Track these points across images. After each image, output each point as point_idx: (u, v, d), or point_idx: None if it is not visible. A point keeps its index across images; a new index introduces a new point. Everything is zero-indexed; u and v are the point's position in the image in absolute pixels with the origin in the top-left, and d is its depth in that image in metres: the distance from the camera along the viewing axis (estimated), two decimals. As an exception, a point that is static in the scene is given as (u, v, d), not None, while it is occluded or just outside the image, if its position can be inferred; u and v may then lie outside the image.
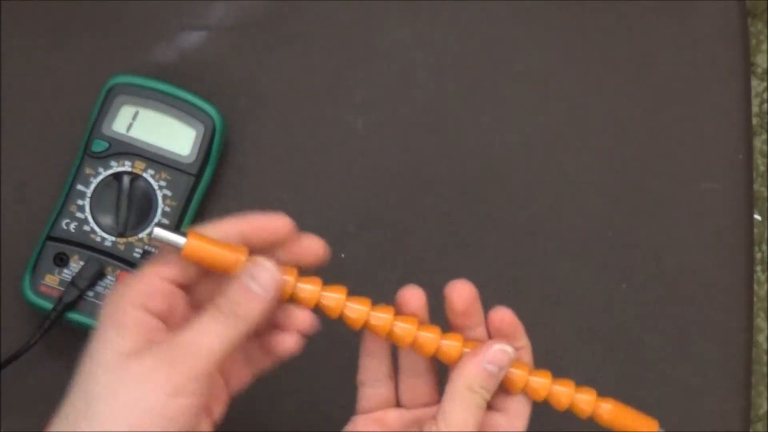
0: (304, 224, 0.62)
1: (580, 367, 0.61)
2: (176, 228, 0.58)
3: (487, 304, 0.62)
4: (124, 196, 0.58)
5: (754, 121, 1.10)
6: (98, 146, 0.59)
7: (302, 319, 0.47)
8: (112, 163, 0.58)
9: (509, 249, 0.63)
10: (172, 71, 0.62)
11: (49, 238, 0.58)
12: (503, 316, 0.49)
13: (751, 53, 1.06)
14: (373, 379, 0.50)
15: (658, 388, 0.62)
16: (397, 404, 0.51)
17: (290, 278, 0.46)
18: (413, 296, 0.49)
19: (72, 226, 0.58)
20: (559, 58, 0.66)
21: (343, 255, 0.61)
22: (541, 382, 0.48)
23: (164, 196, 0.58)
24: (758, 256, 1.17)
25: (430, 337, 0.48)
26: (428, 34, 0.65)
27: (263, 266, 0.45)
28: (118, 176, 0.58)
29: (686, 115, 0.65)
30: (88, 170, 0.58)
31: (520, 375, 0.48)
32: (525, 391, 0.48)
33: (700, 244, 0.64)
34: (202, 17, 0.64)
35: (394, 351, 0.50)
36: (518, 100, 0.65)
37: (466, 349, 0.48)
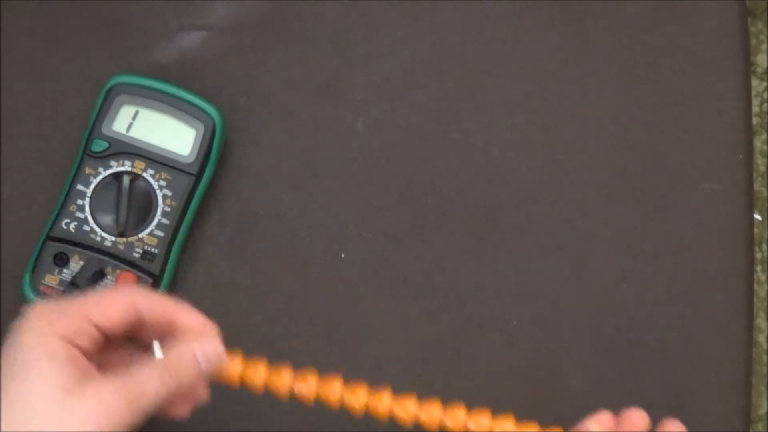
0: (304, 224, 0.62)
1: (580, 367, 0.61)
2: (172, 233, 0.58)
3: (487, 303, 0.62)
4: (124, 196, 0.58)
5: (754, 121, 1.10)
6: (98, 146, 0.59)
7: (203, 393, 0.50)
8: (112, 162, 0.58)
9: (509, 249, 0.63)
10: (172, 71, 0.62)
11: (49, 238, 0.58)
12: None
13: (751, 53, 1.06)
14: None
15: (658, 388, 0.62)
16: None
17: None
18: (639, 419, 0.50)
19: (72, 226, 0.58)
20: (560, 58, 0.66)
21: (343, 255, 0.61)
22: None
23: (164, 196, 0.58)
24: (758, 256, 1.17)
25: None
26: (428, 34, 0.65)
27: (213, 344, 0.48)
28: (118, 176, 0.58)
29: (686, 115, 0.65)
30: (88, 170, 0.58)
31: None
32: None
33: (700, 244, 0.64)
34: (202, 17, 0.64)
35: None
36: (518, 100, 0.65)
37: None
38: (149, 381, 0.45)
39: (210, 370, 0.47)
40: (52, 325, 0.45)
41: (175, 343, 0.47)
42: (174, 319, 0.48)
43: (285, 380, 0.49)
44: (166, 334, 0.48)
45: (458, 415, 0.49)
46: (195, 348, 0.46)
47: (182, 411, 0.49)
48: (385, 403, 0.49)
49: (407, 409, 0.49)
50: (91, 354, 0.46)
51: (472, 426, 0.49)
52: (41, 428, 0.42)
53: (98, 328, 0.46)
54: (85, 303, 0.46)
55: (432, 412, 0.49)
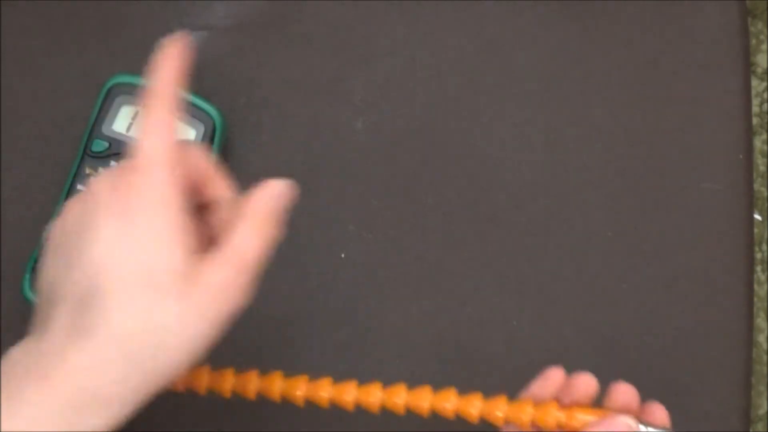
0: (304, 224, 0.62)
1: (580, 367, 0.61)
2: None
3: (488, 303, 0.62)
4: (124, 196, 0.58)
5: (754, 121, 1.11)
6: (98, 146, 0.59)
7: None
8: (112, 163, 0.58)
9: (509, 249, 0.63)
10: (172, 71, 0.62)
11: (49, 238, 0.58)
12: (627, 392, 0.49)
13: (751, 53, 1.06)
14: None
15: (658, 388, 0.62)
16: None
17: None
18: (624, 393, 0.49)
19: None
20: (559, 58, 0.66)
21: (343, 255, 0.61)
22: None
23: (164, 196, 0.58)
24: (758, 256, 1.17)
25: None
26: (428, 34, 0.65)
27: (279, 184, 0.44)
28: (118, 176, 0.58)
29: (686, 115, 0.65)
30: (88, 170, 0.58)
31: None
32: None
33: (700, 244, 0.64)
34: (202, 17, 0.64)
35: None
36: (518, 100, 0.65)
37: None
38: (250, 241, 0.42)
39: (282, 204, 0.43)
40: (169, 175, 0.40)
41: (251, 192, 0.43)
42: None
43: (253, 385, 0.48)
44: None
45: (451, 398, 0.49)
46: (272, 187, 0.43)
47: None
48: (376, 395, 0.49)
49: (400, 397, 0.49)
50: None
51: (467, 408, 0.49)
52: (153, 310, 0.38)
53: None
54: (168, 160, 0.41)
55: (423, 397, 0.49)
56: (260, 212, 0.43)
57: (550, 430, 0.48)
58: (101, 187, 0.41)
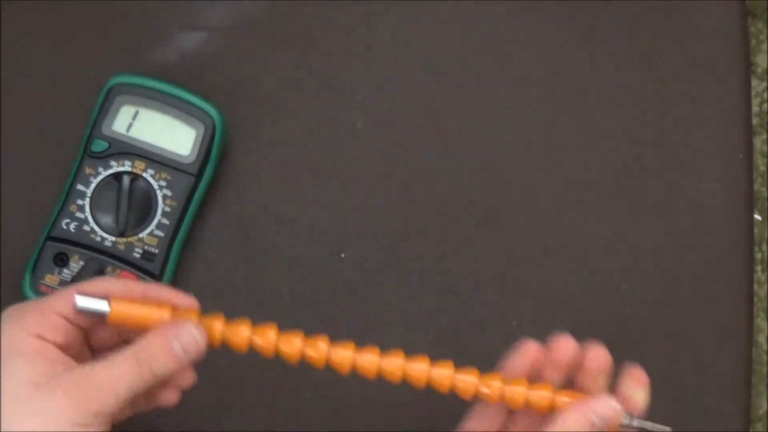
0: (304, 224, 0.62)
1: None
2: (172, 233, 0.58)
3: (487, 303, 0.62)
4: (124, 196, 0.58)
5: (754, 121, 1.10)
6: (98, 146, 0.59)
7: (186, 377, 0.49)
8: (112, 163, 0.58)
9: (509, 249, 0.63)
10: (172, 71, 0.62)
11: (49, 238, 0.58)
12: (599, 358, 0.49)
13: (751, 53, 1.06)
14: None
15: (658, 388, 0.62)
16: None
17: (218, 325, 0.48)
18: (565, 347, 0.49)
19: (72, 226, 0.58)
20: (559, 58, 0.66)
21: (343, 255, 0.61)
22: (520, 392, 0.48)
23: (164, 196, 0.58)
24: (758, 256, 1.17)
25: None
26: (428, 34, 0.65)
27: (188, 329, 0.46)
28: (118, 176, 0.58)
29: (686, 115, 0.65)
30: (88, 170, 0.58)
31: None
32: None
33: (700, 244, 0.64)
34: (202, 17, 0.64)
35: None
36: (518, 100, 0.65)
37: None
38: (120, 373, 0.44)
39: (188, 358, 0.46)
40: (20, 323, 0.45)
41: (149, 333, 0.46)
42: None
43: (270, 340, 0.48)
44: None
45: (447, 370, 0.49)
46: (169, 337, 0.46)
47: (169, 397, 0.49)
48: (371, 359, 0.49)
49: (395, 364, 0.49)
50: (72, 346, 0.46)
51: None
52: (8, 425, 0.42)
53: (71, 321, 0.46)
54: (54, 297, 0.47)
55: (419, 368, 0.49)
56: (147, 352, 0.46)
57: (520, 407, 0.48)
58: None
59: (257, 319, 0.61)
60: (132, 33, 0.64)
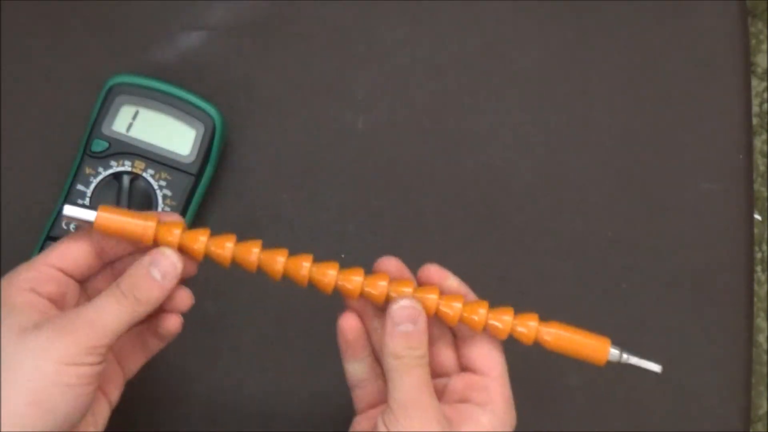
0: (304, 224, 0.62)
1: (580, 367, 0.61)
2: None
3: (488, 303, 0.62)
4: (124, 196, 0.58)
5: (754, 121, 1.11)
6: (98, 146, 0.59)
7: (182, 299, 0.49)
8: (112, 162, 0.58)
9: (509, 249, 0.63)
10: (172, 71, 0.62)
11: (49, 238, 0.58)
12: (429, 273, 0.50)
13: (751, 53, 1.06)
14: (359, 380, 0.51)
15: (658, 388, 0.62)
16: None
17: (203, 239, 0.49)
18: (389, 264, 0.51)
19: (72, 226, 0.58)
20: (559, 58, 0.66)
21: (343, 255, 0.61)
22: (480, 314, 0.49)
23: (164, 196, 0.58)
24: (758, 256, 1.17)
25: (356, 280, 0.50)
26: (428, 34, 0.65)
27: (165, 255, 0.47)
28: (118, 176, 0.58)
29: (686, 115, 0.65)
30: (88, 170, 0.58)
31: (454, 310, 0.49)
32: (461, 324, 0.49)
33: (700, 244, 0.64)
34: (202, 17, 0.64)
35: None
36: (518, 100, 0.65)
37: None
38: (106, 307, 0.45)
39: (169, 282, 0.47)
40: (13, 280, 0.46)
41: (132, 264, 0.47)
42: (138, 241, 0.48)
43: (253, 255, 0.49)
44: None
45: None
46: (147, 264, 0.46)
47: (171, 325, 0.49)
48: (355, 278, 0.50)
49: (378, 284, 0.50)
50: (67, 297, 0.47)
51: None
52: (2, 369, 0.42)
53: (64, 271, 0.47)
54: (46, 251, 0.47)
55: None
56: (129, 282, 0.46)
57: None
58: None
59: (257, 319, 0.61)
60: (132, 33, 0.64)
